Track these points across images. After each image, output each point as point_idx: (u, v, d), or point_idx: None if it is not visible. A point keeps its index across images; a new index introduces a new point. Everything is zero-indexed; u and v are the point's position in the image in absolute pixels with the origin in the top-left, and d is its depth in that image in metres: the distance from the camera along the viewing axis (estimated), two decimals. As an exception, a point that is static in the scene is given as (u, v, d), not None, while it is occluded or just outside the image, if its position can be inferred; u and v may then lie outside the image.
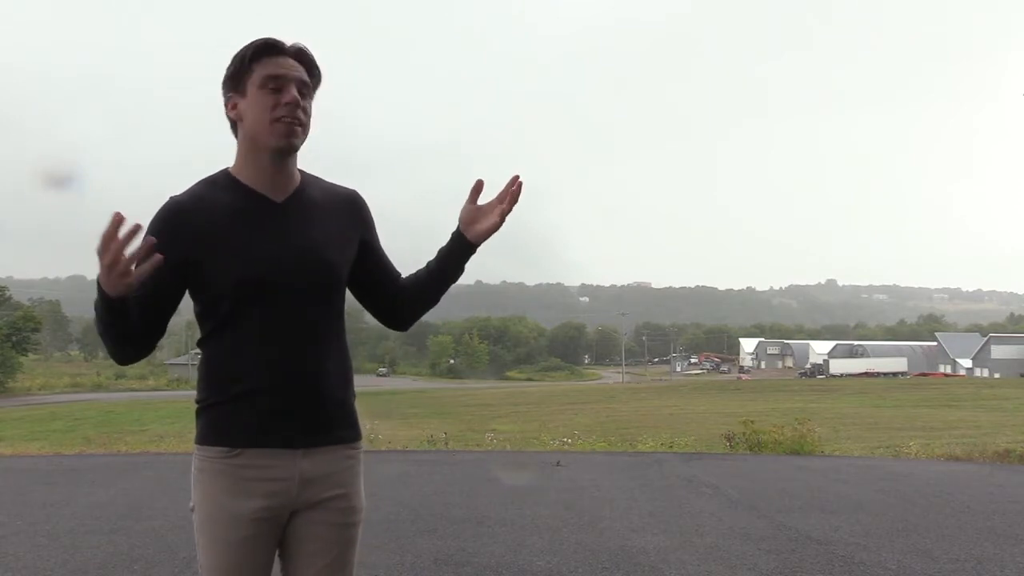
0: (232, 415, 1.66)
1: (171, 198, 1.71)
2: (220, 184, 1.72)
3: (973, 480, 7.64)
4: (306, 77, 1.70)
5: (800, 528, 5.17)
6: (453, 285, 1.90)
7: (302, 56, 1.71)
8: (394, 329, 1.99)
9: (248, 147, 1.71)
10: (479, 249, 1.85)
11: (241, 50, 1.69)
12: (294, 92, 1.66)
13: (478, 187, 1.82)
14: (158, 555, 4.43)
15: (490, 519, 5.40)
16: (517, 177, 1.82)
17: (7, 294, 64.93)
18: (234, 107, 1.70)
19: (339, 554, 1.72)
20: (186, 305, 1.79)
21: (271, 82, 1.66)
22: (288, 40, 1.71)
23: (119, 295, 1.52)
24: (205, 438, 1.68)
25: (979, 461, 9.27)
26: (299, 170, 1.79)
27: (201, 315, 1.71)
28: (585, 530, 5.11)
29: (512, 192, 1.82)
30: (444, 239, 1.87)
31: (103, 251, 1.45)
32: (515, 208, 1.83)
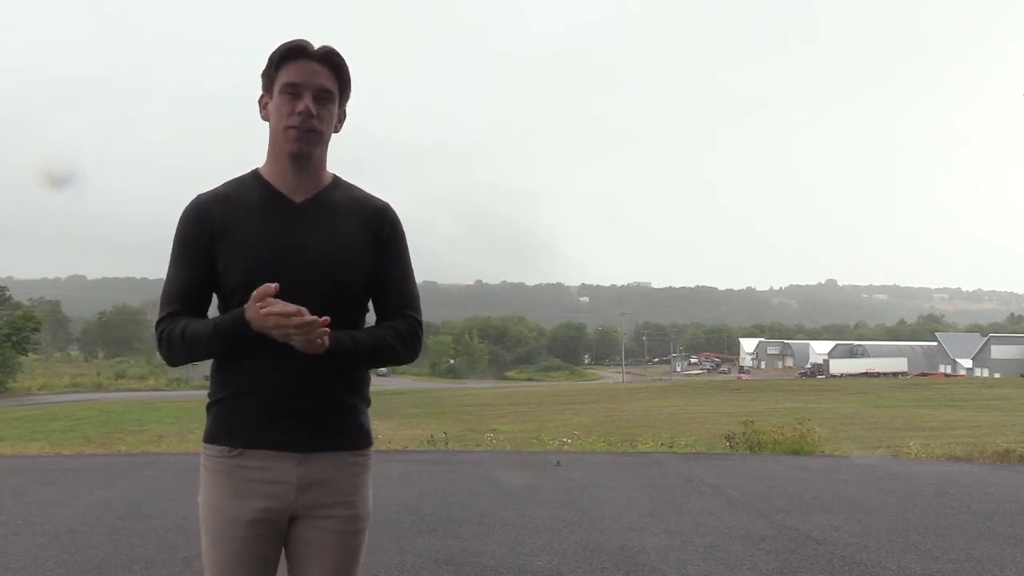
0: (234, 413, 1.69)
1: (196, 196, 1.75)
2: (246, 183, 1.75)
3: (973, 480, 7.64)
4: (328, 84, 1.69)
5: (800, 528, 5.17)
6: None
7: (328, 59, 1.70)
8: None
9: (271, 147, 1.74)
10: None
11: (273, 51, 1.70)
12: (308, 102, 1.66)
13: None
14: (158, 555, 4.43)
15: (490, 519, 5.40)
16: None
17: (7, 294, 64.80)
18: (265, 106, 1.74)
19: (342, 562, 1.72)
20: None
21: (289, 88, 1.67)
22: (318, 42, 1.70)
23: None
24: (210, 436, 1.72)
25: (979, 461, 9.27)
26: (333, 175, 1.79)
27: (218, 310, 1.74)
28: (585, 530, 5.11)
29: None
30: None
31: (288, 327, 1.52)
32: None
